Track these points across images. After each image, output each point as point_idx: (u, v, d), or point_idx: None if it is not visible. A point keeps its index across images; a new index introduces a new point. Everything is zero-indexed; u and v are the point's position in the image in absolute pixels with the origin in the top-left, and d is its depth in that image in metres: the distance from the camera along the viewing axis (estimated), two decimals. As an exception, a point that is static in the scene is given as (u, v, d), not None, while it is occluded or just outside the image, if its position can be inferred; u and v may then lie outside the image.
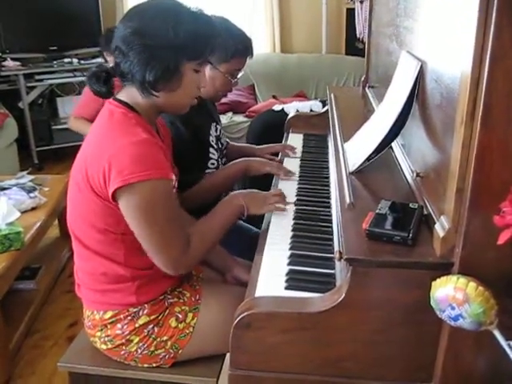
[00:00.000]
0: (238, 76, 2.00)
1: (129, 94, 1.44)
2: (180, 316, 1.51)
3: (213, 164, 2.04)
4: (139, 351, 1.49)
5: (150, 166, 1.31)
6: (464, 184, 1.03)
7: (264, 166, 2.02)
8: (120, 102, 1.43)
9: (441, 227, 1.11)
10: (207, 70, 1.84)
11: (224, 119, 4.42)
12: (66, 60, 4.81)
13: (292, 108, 3.88)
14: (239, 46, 1.92)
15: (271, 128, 3.86)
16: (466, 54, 0.99)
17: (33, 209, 2.72)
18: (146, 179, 1.30)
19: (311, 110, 3.78)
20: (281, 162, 2.19)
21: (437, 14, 1.33)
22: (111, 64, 1.47)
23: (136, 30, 1.35)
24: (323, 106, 3.89)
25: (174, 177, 1.50)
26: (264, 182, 2.03)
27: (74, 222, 1.48)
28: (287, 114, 3.90)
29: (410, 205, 1.28)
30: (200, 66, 1.44)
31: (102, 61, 3.22)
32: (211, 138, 2.05)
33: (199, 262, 1.52)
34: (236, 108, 4.72)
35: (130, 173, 1.29)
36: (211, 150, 2.04)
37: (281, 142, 2.51)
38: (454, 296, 1.00)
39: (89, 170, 1.36)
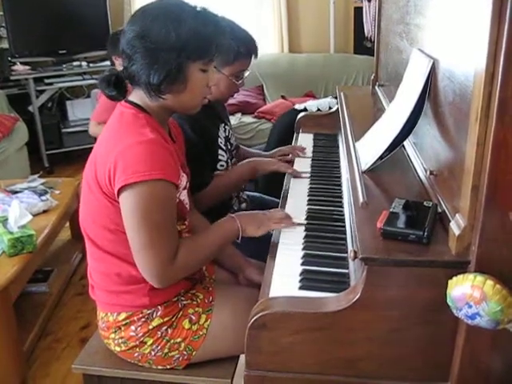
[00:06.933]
0: (245, 75, 1.98)
1: (139, 95, 1.44)
2: (193, 318, 1.51)
3: (222, 166, 2.04)
4: (153, 353, 1.49)
5: (154, 166, 1.30)
6: (479, 181, 1.02)
7: (271, 164, 2.03)
8: (131, 103, 1.44)
9: (456, 225, 1.10)
10: None
11: (233, 120, 4.41)
12: (75, 63, 4.84)
13: (313, 106, 3.90)
14: (241, 49, 1.90)
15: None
16: (480, 50, 0.98)
17: (44, 212, 2.73)
18: (147, 179, 1.29)
19: (330, 108, 3.80)
20: (292, 162, 2.19)
21: (448, 10, 1.32)
22: (119, 67, 1.47)
23: (138, 34, 1.36)
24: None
25: (184, 177, 1.51)
26: (276, 181, 2.02)
27: (86, 222, 1.49)
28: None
29: (424, 203, 1.27)
30: (207, 66, 1.43)
31: (110, 64, 3.23)
32: (220, 140, 2.05)
33: (182, 277, 1.47)
34: (245, 109, 4.72)
35: (134, 172, 1.29)
36: (220, 151, 2.03)
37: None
38: (472, 294, 0.99)
39: (97, 170, 1.37)
